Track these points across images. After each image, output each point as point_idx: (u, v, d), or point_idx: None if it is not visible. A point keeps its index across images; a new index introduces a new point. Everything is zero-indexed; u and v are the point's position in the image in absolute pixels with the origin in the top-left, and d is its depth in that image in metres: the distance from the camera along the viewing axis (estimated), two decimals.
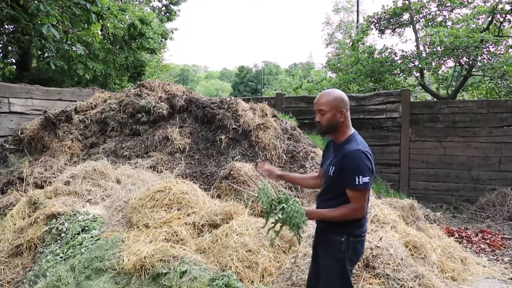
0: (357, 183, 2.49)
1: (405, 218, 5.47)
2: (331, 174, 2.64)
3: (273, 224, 2.65)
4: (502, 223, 6.92)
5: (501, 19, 11.40)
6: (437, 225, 6.27)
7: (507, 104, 7.97)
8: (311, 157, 6.28)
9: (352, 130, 2.70)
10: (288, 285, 3.68)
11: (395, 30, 13.69)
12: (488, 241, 6.05)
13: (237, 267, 3.72)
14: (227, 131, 6.50)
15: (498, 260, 5.32)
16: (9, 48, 10.21)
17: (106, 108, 7.57)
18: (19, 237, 4.64)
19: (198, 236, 4.27)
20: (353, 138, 2.64)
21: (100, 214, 4.71)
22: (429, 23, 12.91)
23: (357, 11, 23.28)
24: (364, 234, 2.72)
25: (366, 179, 2.50)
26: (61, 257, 4.12)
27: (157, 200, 4.49)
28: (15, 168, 6.54)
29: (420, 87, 12.95)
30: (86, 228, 4.43)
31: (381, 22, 13.31)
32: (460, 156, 8.21)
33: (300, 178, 3.30)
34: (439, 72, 12.86)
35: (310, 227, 4.50)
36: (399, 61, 11.93)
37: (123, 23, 13.33)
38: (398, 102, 8.68)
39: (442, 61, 11.79)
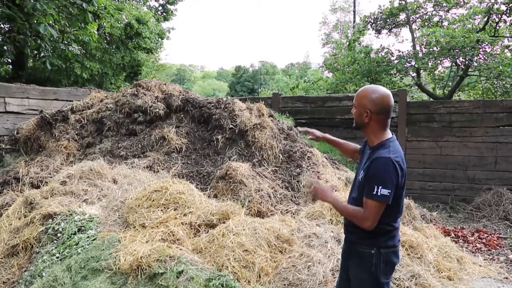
0: (374, 192, 2.33)
1: (402, 217, 5.48)
2: (360, 179, 2.52)
3: None
4: (498, 223, 6.94)
5: (497, 20, 11.44)
6: (434, 224, 6.29)
7: (502, 104, 8.00)
8: (308, 157, 6.28)
9: (388, 135, 2.52)
10: (284, 285, 3.68)
11: (392, 30, 13.72)
12: (484, 240, 6.08)
13: (233, 267, 3.72)
14: (224, 131, 6.49)
15: (494, 260, 5.34)
16: (5, 47, 10.18)
17: (103, 107, 7.55)
18: (15, 237, 4.61)
19: (195, 236, 4.26)
20: (386, 144, 2.47)
21: (96, 214, 4.69)
22: (426, 23, 12.94)
23: (354, 11, 23.31)
24: (398, 245, 2.57)
25: (385, 191, 2.31)
26: (57, 257, 4.10)
27: (153, 200, 4.49)
28: (11, 168, 6.51)
29: (417, 87, 12.98)
30: (83, 228, 4.42)
31: (378, 22, 13.33)
32: (456, 156, 8.23)
33: (342, 142, 3.16)
34: (435, 72, 12.90)
35: (307, 227, 4.51)
36: (395, 61, 11.95)
37: (119, 22, 13.30)
38: (394, 102, 8.68)
39: (439, 61, 11.83)
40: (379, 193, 2.32)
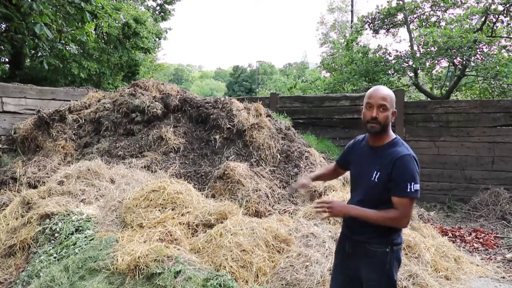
0: (408, 190, 2.38)
1: None
2: (376, 180, 2.47)
3: None
4: (495, 222, 6.96)
5: (494, 20, 11.46)
6: (431, 224, 6.30)
7: (499, 104, 8.02)
8: (306, 156, 6.29)
9: (394, 133, 2.57)
10: (282, 285, 3.68)
11: (389, 30, 13.72)
12: (481, 240, 6.10)
13: (231, 267, 3.72)
14: (222, 131, 6.49)
15: (491, 259, 5.36)
16: (2, 47, 10.15)
17: (100, 107, 7.54)
18: (12, 237, 4.61)
19: (193, 236, 4.26)
20: (399, 142, 2.51)
21: (94, 214, 4.69)
22: (423, 23, 12.96)
23: (352, 11, 23.39)
24: (402, 242, 2.60)
25: (417, 186, 2.40)
26: (54, 257, 4.10)
27: (151, 200, 4.48)
28: (8, 168, 6.50)
29: (414, 87, 13.00)
30: (80, 228, 4.42)
31: (375, 22, 13.33)
32: (453, 155, 8.25)
33: (323, 173, 3.12)
34: (433, 72, 12.91)
35: (305, 226, 4.51)
36: (393, 61, 11.95)
37: (117, 22, 13.29)
38: None
39: (436, 61, 11.83)
40: (412, 189, 2.39)
